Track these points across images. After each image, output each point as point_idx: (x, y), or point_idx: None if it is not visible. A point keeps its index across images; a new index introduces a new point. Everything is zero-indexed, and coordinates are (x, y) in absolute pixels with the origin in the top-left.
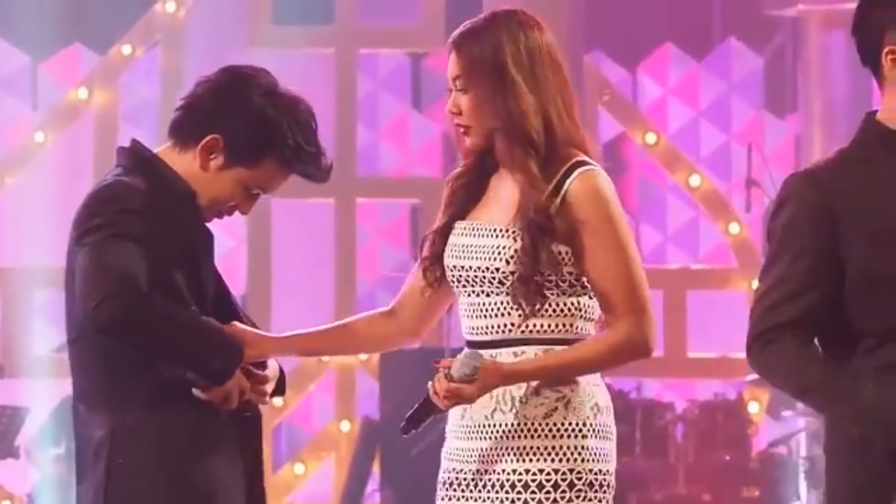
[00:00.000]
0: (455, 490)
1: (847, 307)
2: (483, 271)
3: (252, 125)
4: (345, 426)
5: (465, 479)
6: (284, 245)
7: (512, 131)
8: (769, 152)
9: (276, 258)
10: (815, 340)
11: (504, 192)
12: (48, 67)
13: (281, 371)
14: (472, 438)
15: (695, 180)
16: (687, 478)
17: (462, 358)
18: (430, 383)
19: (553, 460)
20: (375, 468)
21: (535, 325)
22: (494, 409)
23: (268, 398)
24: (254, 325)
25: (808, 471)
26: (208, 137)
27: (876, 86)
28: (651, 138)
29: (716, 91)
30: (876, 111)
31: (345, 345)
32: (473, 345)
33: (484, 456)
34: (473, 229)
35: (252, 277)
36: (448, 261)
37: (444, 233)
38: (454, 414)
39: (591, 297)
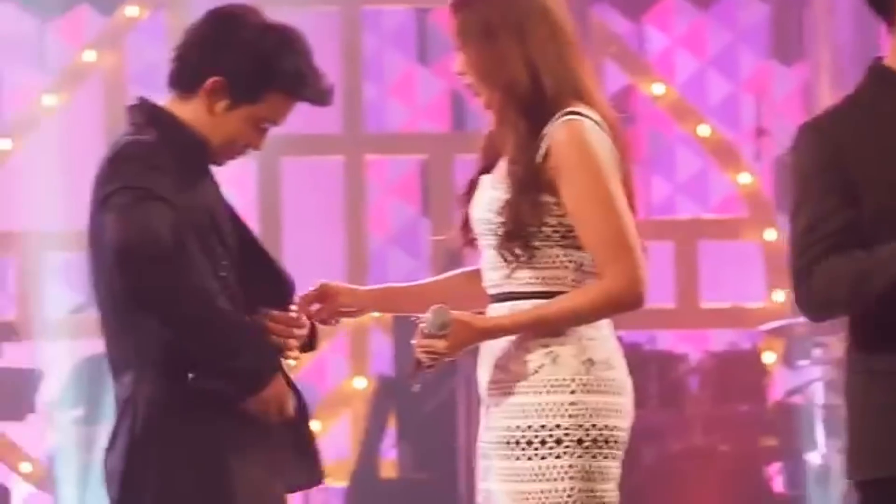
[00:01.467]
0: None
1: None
2: (483, 223)
3: (250, 60)
4: (359, 383)
5: (482, 439)
6: (294, 203)
7: (498, 86)
8: (777, 100)
9: (287, 216)
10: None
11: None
12: (54, 29)
13: (312, 325)
14: (484, 395)
15: (703, 130)
16: (703, 429)
17: (429, 313)
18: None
19: (540, 416)
20: (391, 425)
21: (524, 278)
22: (493, 366)
23: (295, 351)
24: (286, 272)
25: (825, 419)
26: (210, 81)
27: (883, 32)
28: (658, 89)
29: (722, 40)
30: (882, 57)
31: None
32: (490, 298)
33: (485, 414)
34: (485, 183)
35: (263, 236)
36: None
37: (471, 189)
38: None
39: None
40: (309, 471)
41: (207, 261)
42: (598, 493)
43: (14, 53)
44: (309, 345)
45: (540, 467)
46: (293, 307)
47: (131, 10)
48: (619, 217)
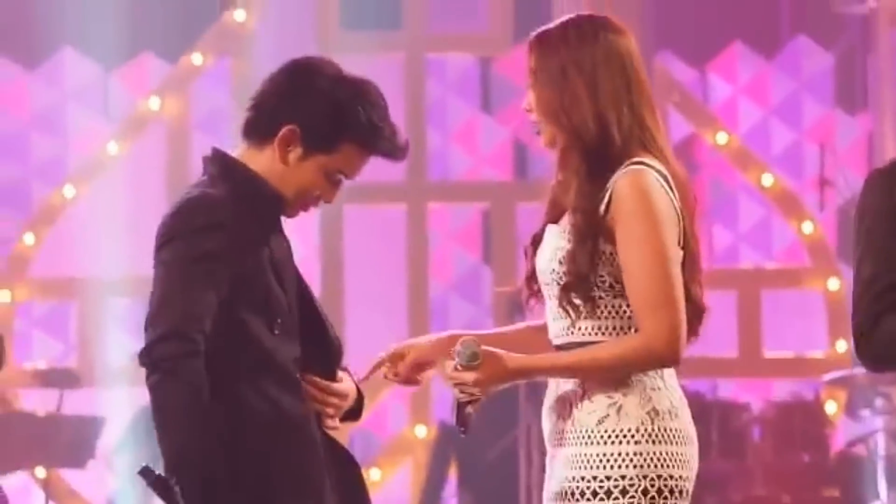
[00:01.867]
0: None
1: None
2: (547, 273)
3: (325, 109)
4: (420, 431)
5: (546, 489)
6: (357, 251)
7: (565, 128)
8: (841, 150)
9: (349, 264)
10: None
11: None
12: (120, 77)
13: (359, 392)
14: (549, 446)
15: (767, 179)
16: (765, 479)
17: (459, 345)
18: None
19: (606, 467)
20: (452, 473)
21: (587, 329)
22: (557, 417)
23: (337, 420)
24: (336, 336)
25: (887, 469)
26: (284, 129)
27: None
28: (722, 138)
29: (786, 89)
30: None
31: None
32: (554, 349)
33: (551, 463)
34: (551, 233)
35: (325, 284)
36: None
37: (536, 240)
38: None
39: None
40: None
41: (263, 318)
42: None
43: (79, 101)
44: (353, 413)
45: None
46: (340, 373)
47: (196, 58)
48: (666, 271)
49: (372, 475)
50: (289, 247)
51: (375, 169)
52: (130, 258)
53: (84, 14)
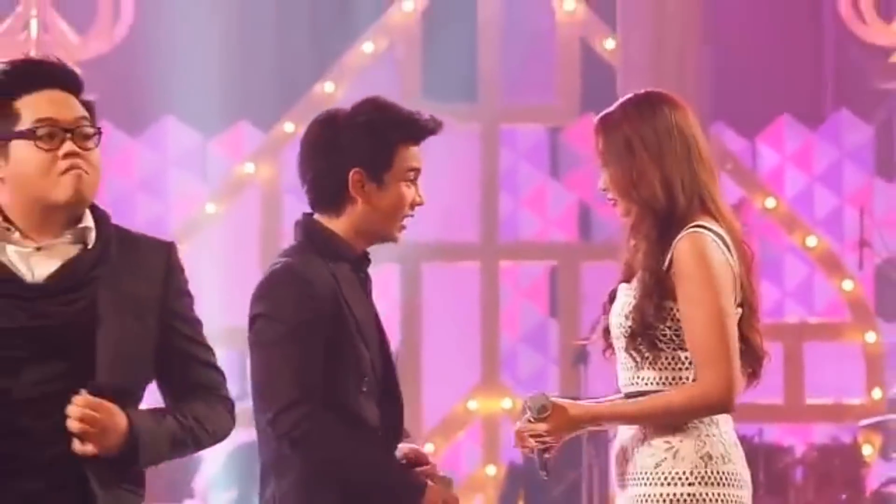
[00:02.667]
0: None
1: None
2: (616, 326)
3: (365, 137)
4: (491, 470)
5: None
6: (434, 306)
7: (636, 200)
8: (879, 214)
9: (427, 317)
10: None
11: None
12: (217, 144)
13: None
14: (616, 487)
15: (811, 241)
16: None
17: (528, 399)
18: None
19: None
20: None
21: (649, 378)
22: (621, 460)
23: None
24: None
25: None
26: (351, 175)
27: None
28: (770, 202)
29: (829, 158)
30: None
31: None
32: (624, 397)
33: (616, 502)
34: (622, 290)
35: (405, 336)
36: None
37: (612, 298)
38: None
39: None
40: None
41: (352, 376)
42: None
43: (180, 166)
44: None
45: None
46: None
47: (288, 126)
48: (722, 325)
49: None
50: (373, 306)
51: (453, 230)
52: (225, 311)
53: (186, 85)
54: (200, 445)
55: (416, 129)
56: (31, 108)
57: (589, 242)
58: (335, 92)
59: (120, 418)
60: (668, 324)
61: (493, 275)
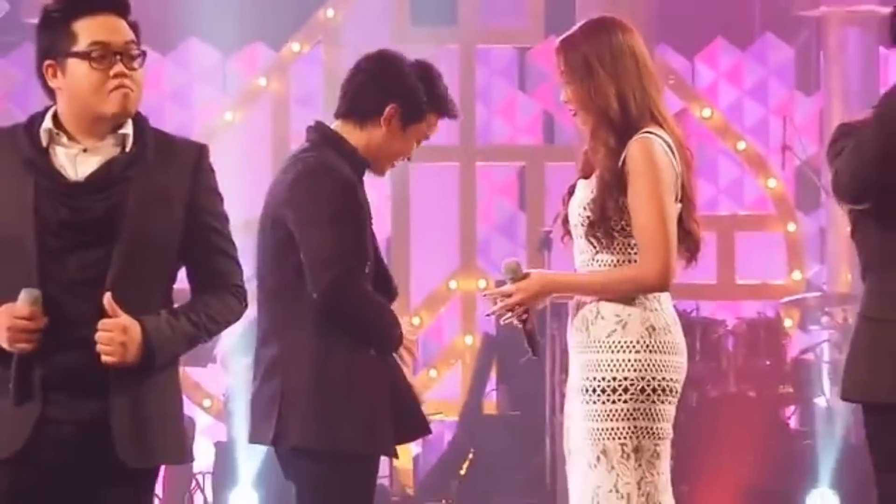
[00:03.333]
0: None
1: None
2: (576, 217)
3: (416, 90)
4: (468, 340)
5: (568, 386)
6: (420, 200)
7: (595, 112)
8: (799, 123)
9: (414, 210)
10: None
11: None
12: (235, 61)
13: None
14: (571, 352)
15: (741, 145)
16: (736, 378)
17: (502, 268)
18: None
19: (612, 370)
20: (493, 373)
21: (602, 261)
22: (576, 330)
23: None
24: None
25: (830, 371)
26: (388, 108)
27: (882, 69)
28: (706, 112)
29: (757, 75)
30: None
31: None
32: None
33: (572, 366)
34: (581, 186)
35: (395, 227)
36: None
37: (570, 192)
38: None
39: None
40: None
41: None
42: (655, 429)
43: (202, 80)
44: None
45: (611, 410)
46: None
47: (295, 46)
48: (662, 216)
49: (431, 374)
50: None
51: (436, 135)
52: (242, 204)
53: (207, 10)
54: (212, 335)
55: (446, 107)
56: (87, 30)
57: (552, 146)
58: (335, 17)
59: (135, 332)
60: (621, 215)
61: (471, 174)
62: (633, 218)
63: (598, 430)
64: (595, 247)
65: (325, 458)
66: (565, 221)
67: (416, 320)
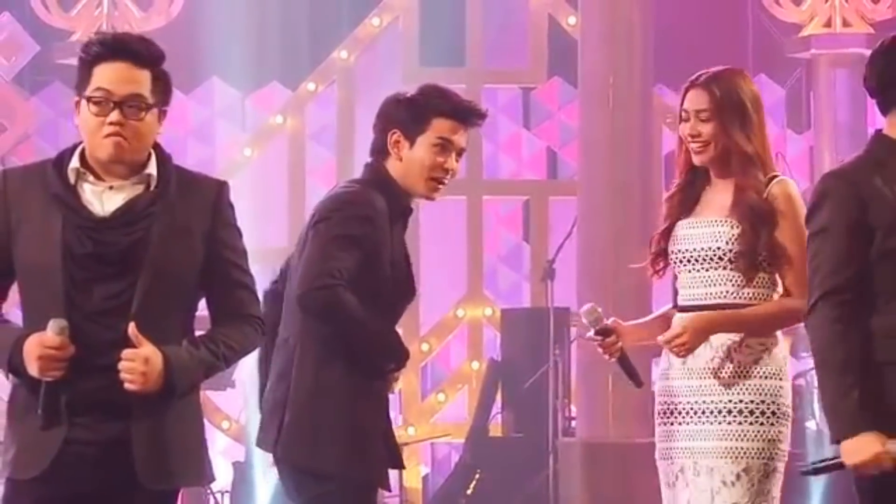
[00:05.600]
0: (673, 417)
1: (874, 271)
2: (708, 251)
3: (407, 107)
4: (475, 365)
5: (683, 409)
6: (429, 232)
7: (738, 152)
8: (790, 159)
9: (423, 241)
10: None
11: (717, 196)
12: (253, 100)
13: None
14: (692, 378)
15: None
16: None
17: (583, 312)
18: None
19: (759, 394)
20: (498, 397)
21: (746, 294)
22: (715, 355)
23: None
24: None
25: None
26: (391, 135)
27: (869, 109)
28: None
29: None
30: (880, 130)
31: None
32: (686, 309)
33: (703, 390)
34: (695, 223)
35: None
36: (673, 246)
37: (667, 234)
38: (674, 359)
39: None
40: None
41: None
42: (784, 451)
43: (222, 117)
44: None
45: (758, 431)
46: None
47: (310, 86)
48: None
49: (439, 398)
50: (403, 234)
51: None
52: (260, 234)
53: (227, 53)
54: (230, 363)
55: (452, 107)
56: (98, 76)
57: (555, 181)
58: (349, 58)
59: (156, 362)
60: (765, 251)
61: (477, 207)
62: (784, 253)
63: (740, 448)
64: (739, 281)
65: (312, 476)
66: (663, 255)
67: (424, 346)
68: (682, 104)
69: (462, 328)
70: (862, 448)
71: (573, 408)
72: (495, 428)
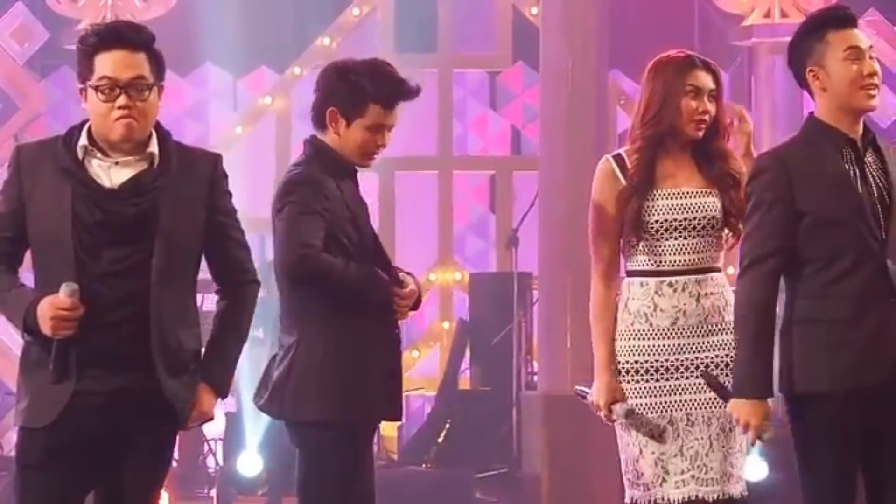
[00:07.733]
0: (659, 374)
1: (800, 242)
2: (698, 220)
3: (346, 88)
4: (445, 325)
5: (672, 366)
6: (403, 203)
7: (727, 126)
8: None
9: (398, 212)
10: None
11: (688, 166)
12: (243, 82)
13: (418, 288)
14: (682, 337)
15: None
16: None
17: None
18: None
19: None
20: (467, 354)
21: (720, 257)
22: (714, 312)
23: (408, 312)
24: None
25: None
26: (328, 112)
27: (806, 94)
28: None
29: None
30: (812, 112)
31: None
32: (675, 273)
33: (694, 347)
34: (678, 194)
35: (382, 226)
36: (651, 217)
37: (642, 196)
38: (656, 321)
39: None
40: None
41: (341, 244)
42: None
43: (215, 98)
44: (414, 306)
45: None
46: (409, 279)
47: (296, 70)
48: None
49: (413, 354)
50: (358, 193)
51: (418, 147)
52: (249, 203)
53: (220, 39)
54: (248, 334)
55: (388, 95)
56: (101, 65)
57: (518, 157)
58: (331, 44)
59: (210, 402)
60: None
61: (448, 180)
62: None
63: None
64: (718, 246)
65: (318, 427)
66: (640, 226)
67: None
68: (685, 79)
69: (434, 291)
70: (749, 412)
71: (535, 364)
72: (464, 382)
